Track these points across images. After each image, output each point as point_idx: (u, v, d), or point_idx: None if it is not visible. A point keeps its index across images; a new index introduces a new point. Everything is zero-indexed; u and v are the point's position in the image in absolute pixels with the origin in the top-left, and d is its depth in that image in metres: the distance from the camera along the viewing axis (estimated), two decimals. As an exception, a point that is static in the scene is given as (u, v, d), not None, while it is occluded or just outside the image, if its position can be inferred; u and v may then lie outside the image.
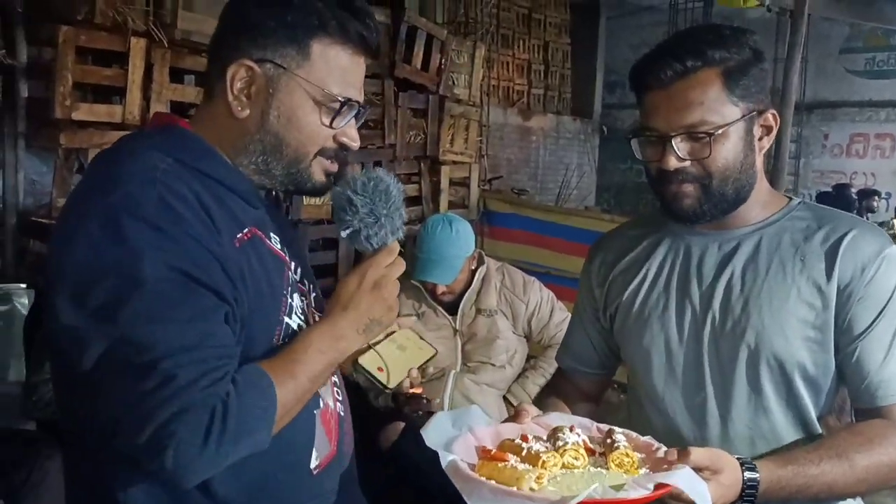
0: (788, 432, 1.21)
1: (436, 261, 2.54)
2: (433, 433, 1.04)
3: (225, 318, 0.94)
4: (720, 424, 1.22)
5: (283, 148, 1.05)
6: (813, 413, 1.21)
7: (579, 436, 1.02)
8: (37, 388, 2.21)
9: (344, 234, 1.06)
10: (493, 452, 1.00)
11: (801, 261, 1.19)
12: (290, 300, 1.06)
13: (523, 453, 0.98)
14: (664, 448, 1.03)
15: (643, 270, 1.31)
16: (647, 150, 1.21)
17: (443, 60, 4.62)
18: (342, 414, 1.17)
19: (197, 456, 0.86)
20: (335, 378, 1.17)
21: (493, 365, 2.63)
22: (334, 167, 1.09)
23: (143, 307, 0.87)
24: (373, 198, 1.05)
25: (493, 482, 0.91)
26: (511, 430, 1.07)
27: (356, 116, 1.08)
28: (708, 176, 1.16)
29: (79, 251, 0.90)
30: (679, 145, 1.15)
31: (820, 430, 1.22)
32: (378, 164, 4.34)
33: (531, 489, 0.90)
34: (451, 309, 2.67)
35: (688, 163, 1.16)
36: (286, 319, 1.04)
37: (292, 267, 1.11)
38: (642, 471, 0.98)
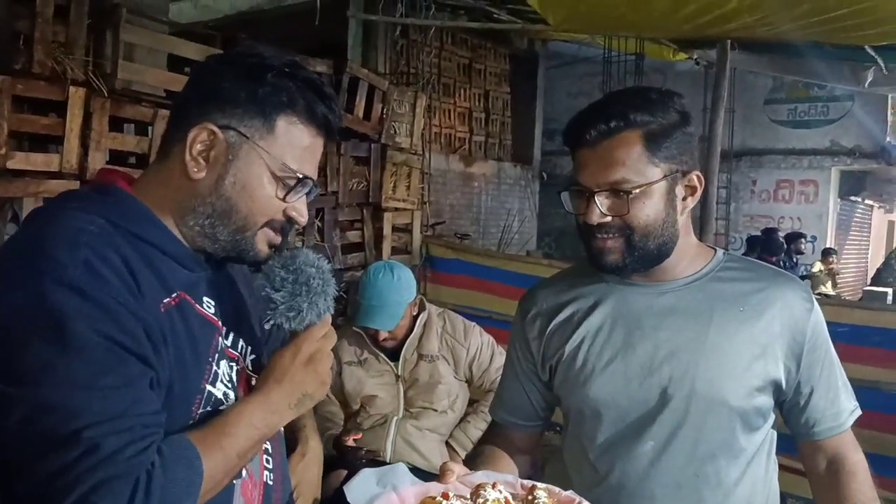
0: (731, 477, 1.25)
1: (377, 307, 2.57)
2: (356, 490, 1.05)
3: (150, 385, 0.94)
4: (667, 473, 1.25)
5: (233, 214, 1.06)
6: (750, 455, 1.27)
7: (501, 493, 1.04)
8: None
9: (267, 326, 1.07)
10: None
11: (740, 311, 1.25)
12: (214, 367, 1.06)
13: None
14: (586, 502, 1.07)
15: (584, 323, 1.33)
16: (575, 202, 1.26)
17: (384, 110, 4.71)
18: (270, 483, 1.16)
19: None
20: (267, 446, 1.17)
21: (436, 410, 2.66)
22: (277, 239, 1.11)
23: (69, 373, 0.86)
24: (293, 291, 1.05)
25: None
26: (436, 490, 1.08)
27: (308, 193, 1.10)
28: (630, 230, 1.21)
29: (3, 316, 0.89)
30: (602, 201, 1.20)
31: (757, 472, 1.29)
32: (320, 211, 4.37)
33: (448, 545, 0.89)
34: (393, 355, 2.70)
35: (609, 218, 1.21)
36: (208, 387, 1.04)
37: (223, 332, 1.10)
38: None
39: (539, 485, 1.09)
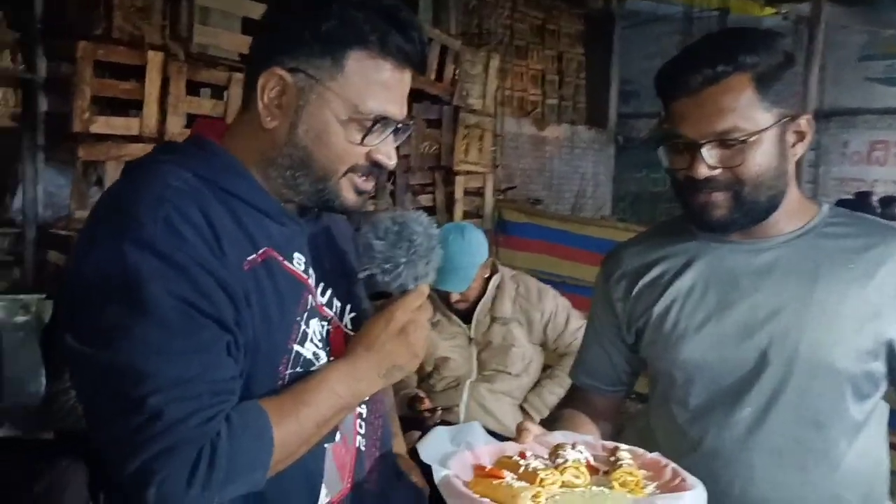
0: (839, 447, 1.18)
1: (449, 269, 2.53)
2: (429, 448, 1.02)
3: (227, 349, 0.91)
4: (768, 440, 1.18)
5: (311, 163, 0.99)
6: (860, 425, 1.18)
7: (581, 453, 0.99)
8: (56, 397, 2.22)
9: (361, 275, 1.03)
10: (488, 469, 0.96)
11: (849, 269, 1.16)
12: (303, 327, 1.01)
13: (520, 471, 0.94)
14: (672, 465, 1.01)
15: (675, 284, 1.25)
16: (674, 157, 1.16)
17: (456, 71, 4.63)
18: (362, 449, 1.11)
19: (181, 496, 0.83)
20: (362, 410, 1.12)
21: (509, 373, 2.62)
22: (367, 185, 1.03)
23: (142, 336, 0.85)
24: (394, 243, 1.00)
25: (486, 500, 0.87)
26: (512, 449, 1.04)
27: (395, 133, 1.01)
28: (740, 184, 1.12)
29: (85, 274, 0.89)
30: (710, 153, 1.11)
31: (867, 444, 1.20)
32: (392, 174, 4.35)
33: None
34: (466, 318, 2.67)
35: (718, 171, 1.12)
36: (296, 347, 0.99)
37: (317, 289, 1.05)
38: (648, 489, 0.95)
39: (622, 446, 1.04)
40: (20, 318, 3.02)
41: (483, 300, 2.66)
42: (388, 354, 1.00)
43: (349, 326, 1.10)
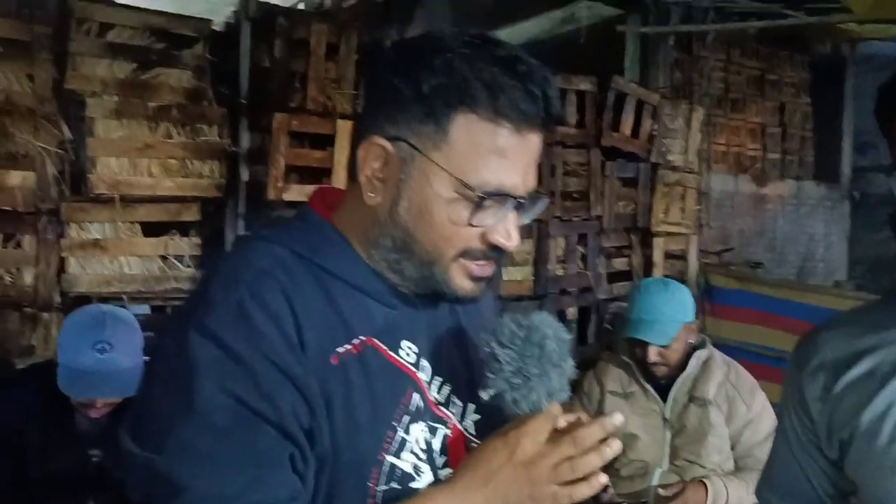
0: None
1: (649, 320, 2.28)
2: None
3: (291, 463, 0.79)
4: None
5: (414, 246, 0.87)
6: None
7: None
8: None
9: (485, 395, 0.87)
10: None
11: None
12: (399, 433, 0.87)
13: None
14: None
15: (892, 382, 0.98)
16: None
17: (654, 126, 4.35)
18: None
19: None
20: None
21: (703, 467, 2.26)
22: (484, 270, 0.89)
23: (188, 439, 0.76)
24: (522, 352, 0.86)
25: None
26: None
27: (519, 209, 0.87)
28: None
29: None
30: None
31: None
32: (583, 237, 4.13)
33: None
34: (662, 393, 2.37)
35: None
36: (388, 458, 0.86)
37: (431, 385, 0.92)
38: None
39: None
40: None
41: (684, 375, 2.35)
42: (506, 491, 0.80)
43: (470, 431, 0.95)
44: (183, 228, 3.31)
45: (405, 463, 0.87)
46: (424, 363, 0.92)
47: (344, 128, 3.40)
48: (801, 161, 8.92)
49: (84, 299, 3.19)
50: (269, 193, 3.25)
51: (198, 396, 0.76)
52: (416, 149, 0.85)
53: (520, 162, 0.85)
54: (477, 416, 0.95)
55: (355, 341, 0.86)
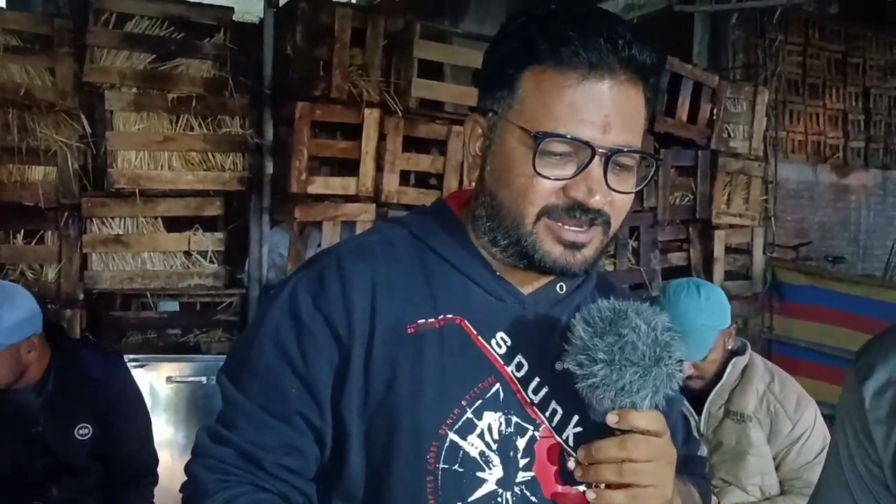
0: None
1: (680, 333, 2.01)
2: None
3: (305, 417, 0.86)
4: None
5: (500, 209, 0.86)
6: None
7: None
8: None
9: (557, 366, 0.82)
10: None
11: None
12: (468, 414, 0.86)
13: None
14: None
15: None
16: None
17: (714, 110, 4.03)
18: None
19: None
20: None
21: (744, 490, 1.98)
22: (573, 234, 0.84)
23: (236, 370, 0.90)
24: (598, 334, 0.80)
25: None
26: None
27: (609, 167, 0.82)
28: None
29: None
30: None
31: None
32: (635, 230, 3.85)
33: None
34: (696, 405, 2.10)
35: None
36: (451, 435, 0.85)
37: (528, 384, 0.88)
38: None
39: None
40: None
41: (719, 386, 2.08)
42: None
43: (570, 442, 0.89)
44: (206, 223, 3.21)
45: (471, 447, 0.86)
46: (521, 360, 0.89)
47: (371, 116, 3.23)
48: (888, 149, 8.35)
49: (108, 296, 3.14)
50: (293, 186, 3.12)
51: (256, 340, 0.89)
52: (496, 113, 0.86)
53: (596, 112, 0.82)
54: (580, 429, 0.90)
55: (441, 317, 0.87)
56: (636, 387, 0.79)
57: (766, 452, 2.00)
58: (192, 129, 3.11)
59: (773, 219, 4.43)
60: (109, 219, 3.08)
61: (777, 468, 2.03)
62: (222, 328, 3.29)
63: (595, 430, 0.83)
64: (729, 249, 4.20)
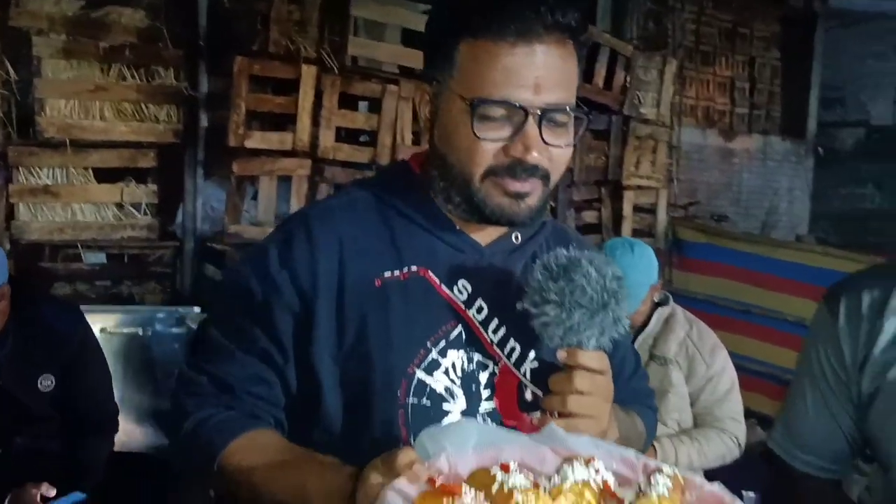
0: None
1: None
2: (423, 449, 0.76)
3: (266, 354, 0.96)
4: None
5: (451, 170, 0.94)
6: None
7: (597, 472, 0.71)
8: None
9: (518, 306, 0.90)
10: (442, 484, 0.69)
11: None
12: (433, 354, 0.95)
13: (494, 488, 0.68)
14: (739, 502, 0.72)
15: None
16: None
17: (627, 78, 4.27)
18: None
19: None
20: None
21: (664, 426, 2.24)
22: (517, 185, 0.91)
23: (217, 305, 1.07)
24: (552, 278, 0.88)
25: None
26: (510, 455, 0.73)
27: (543, 125, 0.88)
28: None
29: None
30: None
31: None
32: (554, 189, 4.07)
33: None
34: None
35: None
36: (418, 373, 0.94)
37: (488, 326, 0.97)
38: None
39: (666, 468, 0.73)
40: (176, 331, 3.07)
41: (644, 333, 2.31)
42: None
43: (528, 376, 0.98)
44: (139, 175, 3.17)
45: (437, 382, 0.94)
46: (481, 303, 0.97)
47: (308, 73, 3.26)
48: (769, 116, 8.89)
49: (36, 247, 3.07)
50: (230, 140, 3.13)
51: (230, 291, 1.02)
52: (440, 82, 0.93)
53: (528, 76, 0.87)
54: (536, 364, 0.98)
55: (405, 270, 0.95)
56: (583, 327, 0.86)
57: (683, 392, 2.26)
58: (124, 78, 3.05)
59: (675, 181, 4.73)
60: (37, 168, 2.99)
61: (692, 405, 2.30)
62: (155, 279, 3.29)
63: (548, 366, 0.92)
64: (636, 209, 4.50)
